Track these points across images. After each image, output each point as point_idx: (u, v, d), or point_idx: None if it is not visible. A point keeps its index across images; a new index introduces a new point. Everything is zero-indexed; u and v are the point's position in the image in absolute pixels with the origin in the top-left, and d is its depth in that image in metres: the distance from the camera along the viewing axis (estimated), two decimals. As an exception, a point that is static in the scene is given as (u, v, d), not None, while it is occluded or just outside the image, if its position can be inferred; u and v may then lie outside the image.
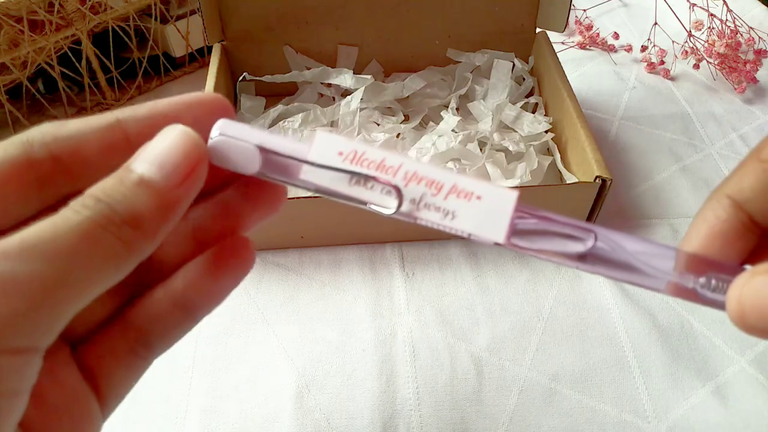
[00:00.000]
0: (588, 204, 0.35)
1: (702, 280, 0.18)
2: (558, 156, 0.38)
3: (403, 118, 0.42)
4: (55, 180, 0.18)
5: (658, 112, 0.46)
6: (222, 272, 0.20)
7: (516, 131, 0.40)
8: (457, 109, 0.41)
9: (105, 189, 0.16)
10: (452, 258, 0.35)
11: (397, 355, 0.31)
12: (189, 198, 0.17)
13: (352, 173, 0.18)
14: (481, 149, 0.38)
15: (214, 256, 0.20)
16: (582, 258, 0.19)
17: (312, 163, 0.18)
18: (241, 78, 0.41)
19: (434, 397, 0.29)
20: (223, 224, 0.20)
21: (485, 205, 0.18)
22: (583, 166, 0.35)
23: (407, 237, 0.36)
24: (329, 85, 0.43)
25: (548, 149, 0.40)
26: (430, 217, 0.18)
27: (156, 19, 0.44)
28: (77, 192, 0.16)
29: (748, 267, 0.17)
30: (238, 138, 0.18)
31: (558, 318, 0.33)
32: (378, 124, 0.40)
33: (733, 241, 0.20)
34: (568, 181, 0.37)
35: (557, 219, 0.19)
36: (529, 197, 0.34)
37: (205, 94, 0.19)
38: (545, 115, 0.41)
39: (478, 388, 0.30)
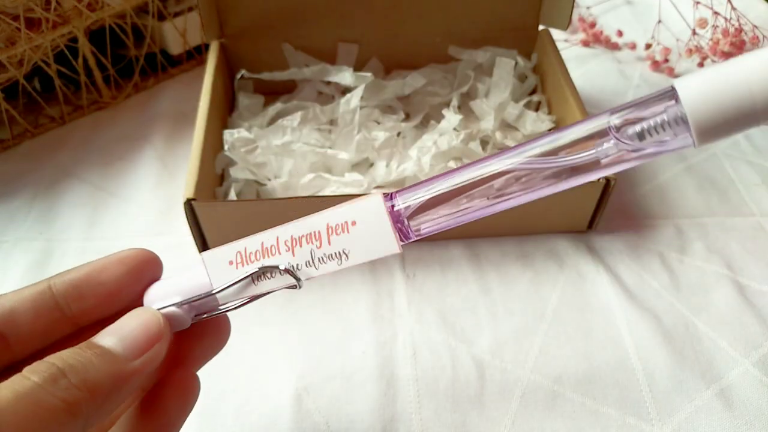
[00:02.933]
0: (592, 204, 0.34)
1: (629, 131, 0.16)
2: (561, 155, 0.38)
3: (403, 116, 0.41)
4: None
5: (661, 110, 0.46)
6: (168, 406, 0.20)
7: (519, 130, 0.40)
8: (459, 107, 0.41)
9: (62, 355, 0.16)
10: (454, 259, 0.35)
11: (398, 357, 0.31)
12: (144, 372, 0.18)
13: (247, 276, 0.19)
14: (483, 148, 0.38)
15: (151, 398, 0.20)
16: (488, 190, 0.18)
17: (219, 291, 0.19)
18: (239, 76, 0.41)
19: (435, 399, 0.29)
20: (168, 369, 0.21)
21: (364, 226, 0.17)
22: (587, 166, 0.34)
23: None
24: (329, 83, 0.42)
25: (551, 148, 0.39)
26: (330, 269, 0.18)
27: (153, 17, 0.43)
28: (15, 363, 0.18)
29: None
30: (162, 305, 0.19)
31: (561, 320, 0.32)
32: (378, 123, 0.40)
33: None
34: (571, 181, 0.36)
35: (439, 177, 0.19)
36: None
37: (129, 252, 0.20)
38: (548, 113, 0.41)
39: (479, 391, 0.29)
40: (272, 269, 0.19)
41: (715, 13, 0.49)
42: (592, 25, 0.52)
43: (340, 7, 0.41)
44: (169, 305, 0.19)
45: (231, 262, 0.19)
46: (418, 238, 0.18)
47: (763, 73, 0.14)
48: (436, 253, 0.35)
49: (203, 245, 0.34)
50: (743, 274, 0.34)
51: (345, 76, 0.40)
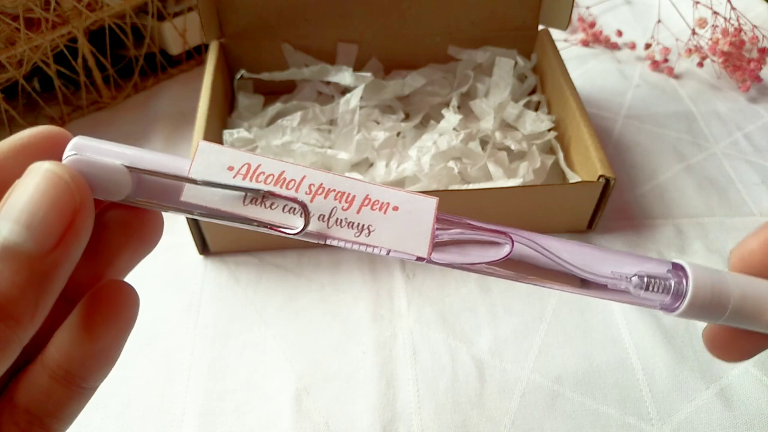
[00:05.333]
0: (591, 204, 0.34)
1: (635, 279, 0.18)
2: (561, 155, 0.38)
3: (403, 116, 0.41)
4: None
5: (662, 110, 0.46)
6: (96, 329, 0.15)
7: (518, 130, 0.40)
8: (459, 107, 0.41)
9: None
10: (453, 258, 0.35)
11: (398, 357, 0.31)
12: (71, 261, 0.13)
13: (246, 189, 0.15)
14: (483, 148, 0.38)
15: (84, 312, 0.16)
16: (507, 264, 0.17)
17: (194, 181, 0.15)
18: (239, 76, 0.41)
19: (435, 400, 0.29)
20: (90, 270, 0.17)
21: (403, 216, 0.16)
22: (587, 166, 0.34)
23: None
24: (328, 83, 0.42)
25: (551, 148, 0.39)
26: (342, 235, 0.16)
27: (153, 17, 0.43)
28: None
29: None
30: (101, 157, 0.14)
31: (561, 319, 0.32)
32: (378, 123, 0.40)
33: None
34: (571, 181, 0.36)
35: (478, 225, 0.17)
36: (531, 196, 0.34)
37: (37, 129, 0.15)
38: (548, 113, 0.41)
39: (479, 391, 0.29)
40: (284, 200, 0.15)
41: (715, 13, 0.49)
42: (592, 25, 0.52)
43: (340, 7, 0.41)
44: (115, 161, 0.14)
45: (231, 168, 0.15)
46: (431, 262, 0.17)
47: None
48: (435, 253, 0.35)
49: (203, 245, 0.34)
50: (743, 273, 0.34)
51: (345, 76, 0.40)
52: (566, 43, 0.52)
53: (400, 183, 0.37)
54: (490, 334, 0.32)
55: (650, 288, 0.18)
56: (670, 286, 0.18)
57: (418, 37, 0.42)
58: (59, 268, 0.13)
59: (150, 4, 0.42)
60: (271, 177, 0.15)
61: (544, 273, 0.17)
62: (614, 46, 0.52)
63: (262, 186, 0.15)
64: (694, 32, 0.50)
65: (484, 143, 0.38)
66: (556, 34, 0.43)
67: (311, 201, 0.16)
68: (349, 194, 0.16)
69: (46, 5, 0.37)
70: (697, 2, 0.50)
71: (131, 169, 0.15)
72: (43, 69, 0.40)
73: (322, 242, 0.16)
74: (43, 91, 0.43)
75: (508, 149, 0.38)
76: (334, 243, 0.16)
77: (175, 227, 0.37)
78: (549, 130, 0.39)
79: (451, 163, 0.37)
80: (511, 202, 0.34)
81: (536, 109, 0.41)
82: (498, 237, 0.17)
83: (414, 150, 0.37)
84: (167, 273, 0.34)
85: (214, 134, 0.36)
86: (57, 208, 0.13)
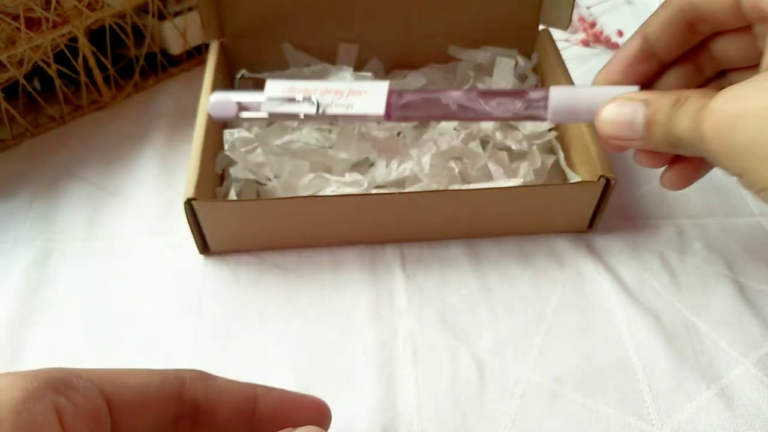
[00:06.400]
0: (592, 203, 0.34)
1: (521, 103, 0.27)
2: (561, 155, 0.38)
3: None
4: (183, 422, 0.20)
5: (661, 110, 0.46)
6: None
7: (518, 130, 0.40)
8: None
9: None
10: (454, 258, 0.35)
11: (398, 357, 0.31)
12: None
13: (288, 99, 0.28)
14: (483, 148, 0.38)
15: None
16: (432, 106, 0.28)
17: (264, 102, 0.28)
18: (239, 75, 0.41)
19: (435, 399, 0.29)
20: None
21: (370, 95, 0.28)
22: (587, 165, 0.34)
23: (408, 237, 0.36)
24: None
25: (551, 148, 0.39)
26: (337, 111, 0.28)
27: (153, 16, 0.43)
28: None
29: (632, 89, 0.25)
30: (223, 97, 0.29)
31: (561, 320, 0.32)
32: (378, 123, 0.40)
33: (634, 65, 0.27)
34: (571, 180, 0.36)
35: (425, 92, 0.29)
36: (531, 196, 0.34)
37: (320, 400, 0.23)
38: (548, 113, 0.41)
39: (480, 391, 0.29)
40: (306, 99, 0.28)
41: (716, 12, 0.49)
42: (592, 24, 0.52)
43: (340, 7, 0.41)
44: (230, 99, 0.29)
45: (283, 90, 0.28)
46: (396, 119, 0.29)
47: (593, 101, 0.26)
48: (436, 252, 0.35)
49: (203, 245, 0.34)
50: (743, 274, 0.34)
51: (345, 76, 0.40)
52: (567, 43, 0.52)
53: (400, 183, 0.37)
54: (491, 334, 0.32)
55: (529, 108, 0.27)
56: (542, 105, 0.27)
57: (419, 37, 0.43)
58: None
59: (151, 4, 0.42)
60: (301, 91, 0.28)
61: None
62: (615, 46, 0.52)
63: (298, 94, 0.28)
64: (694, 32, 0.49)
65: (484, 143, 0.38)
66: (556, 34, 0.43)
67: (322, 96, 0.28)
68: (340, 90, 0.28)
69: (46, 5, 0.37)
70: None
71: (237, 103, 0.29)
72: (44, 68, 0.40)
73: (324, 115, 0.28)
74: (44, 91, 0.43)
75: (508, 149, 0.38)
76: (331, 111, 0.28)
77: (175, 227, 0.37)
78: (549, 130, 0.39)
79: (452, 163, 0.37)
80: (512, 202, 0.34)
81: (537, 109, 0.41)
82: (432, 94, 0.28)
83: (414, 150, 0.37)
84: (167, 273, 0.34)
85: (214, 134, 0.36)
86: None
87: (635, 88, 0.26)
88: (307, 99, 0.28)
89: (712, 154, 0.21)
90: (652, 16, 0.27)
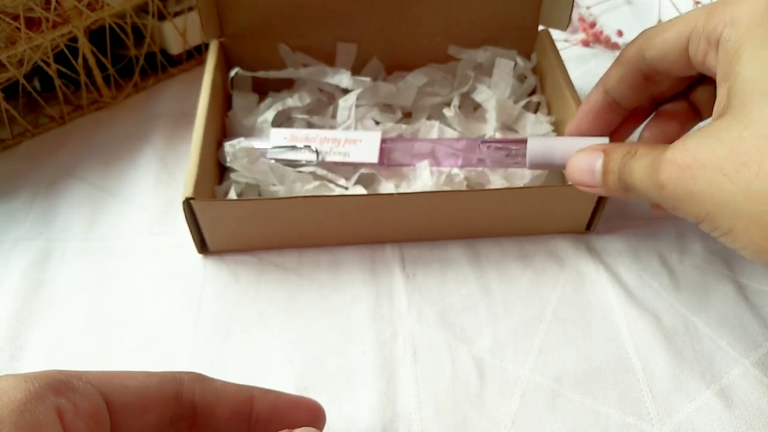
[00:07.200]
0: (591, 205, 0.34)
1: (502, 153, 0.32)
2: (561, 155, 0.38)
3: (401, 116, 0.41)
4: (181, 424, 0.20)
5: (661, 110, 0.46)
6: None
7: (518, 132, 0.40)
8: (459, 106, 0.41)
9: None
10: (453, 259, 0.35)
11: (398, 357, 0.31)
12: None
13: (290, 147, 0.34)
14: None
15: None
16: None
17: (269, 149, 0.35)
18: (233, 73, 0.41)
19: (435, 399, 0.29)
20: None
21: (365, 144, 0.33)
22: (587, 166, 0.34)
23: (408, 237, 0.36)
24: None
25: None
26: (335, 158, 0.33)
27: (153, 16, 0.43)
28: None
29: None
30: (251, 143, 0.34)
31: (561, 319, 0.32)
32: (378, 123, 0.40)
33: (599, 114, 0.30)
34: (570, 182, 0.36)
35: (414, 140, 0.35)
36: (531, 197, 0.34)
37: (315, 402, 0.24)
38: (548, 113, 0.41)
39: (480, 391, 0.29)
40: (307, 146, 0.33)
41: (715, 13, 0.49)
42: (592, 25, 0.52)
43: (340, 7, 0.41)
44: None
45: (285, 138, 0.34)
46: (388, 163, 0.34)
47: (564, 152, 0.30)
48: (436, 252, 0.35)
49: (202, 245, 0.34)
50: (743, 274, 0.34)
51: (342, 78, 0.40)
52: (566, 43, 0.52)
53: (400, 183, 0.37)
54: (490, 334, 0.32)
55: (509, 156, 0.32)
56: (521, 153, 0.32)
57: (418, 37, 0.42)
58: None
59: (150, 4, 0.42)
60: (302, 137, 0.34)
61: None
62: (615, 46, 0.52)
63: (299, 143, 0.34)
64: (694, 32, 0.49)
65: (484, 143, 0.38)
66: (556, 34, 0.43)
67: (320, 145, 0.33)
68: (337, 139, 0.33)
69: (46, 5, 0.37)
70: (698, 2, 0.50)
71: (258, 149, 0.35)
72: (44, 68, 0.40)
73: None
74: (44, 91, 0.43)
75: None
76: (329, 158, 0.33)
77: (175, 227, 0.37)
78: (549, 130, 0.39)
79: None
80: (511, 203, 0.34)
81: (536, 111, 0.41)
82: (423, 144, 0.34)
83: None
84: (167, 273, 0.34)
85: (213, 134, 0.36)
86: None
87: (605, 139, 0.29)
88: (308, 147, 0.33)
89: (671, 200, 0.23)
90: (609, 69, 0.29)
